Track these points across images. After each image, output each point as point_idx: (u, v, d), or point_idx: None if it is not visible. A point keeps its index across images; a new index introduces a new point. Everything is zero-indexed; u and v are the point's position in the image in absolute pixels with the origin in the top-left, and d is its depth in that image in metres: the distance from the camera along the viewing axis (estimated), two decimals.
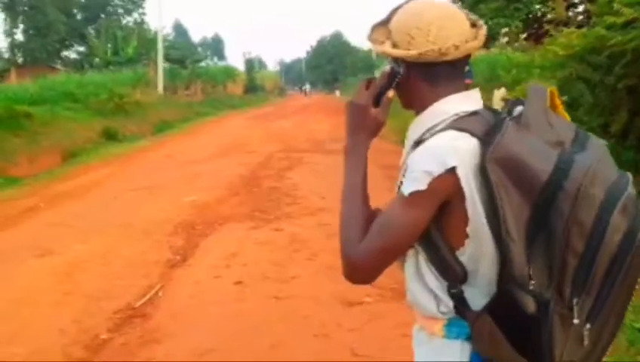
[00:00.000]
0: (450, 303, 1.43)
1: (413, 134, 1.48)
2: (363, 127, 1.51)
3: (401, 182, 1.42)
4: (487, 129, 1.37)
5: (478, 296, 1.39)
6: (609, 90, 6.29)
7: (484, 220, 1.33)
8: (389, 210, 1.41)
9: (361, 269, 1.42)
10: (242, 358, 3.98)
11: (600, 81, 6.31)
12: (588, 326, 1.32)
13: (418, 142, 1.45)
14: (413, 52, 1.42)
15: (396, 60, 1.48)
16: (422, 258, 1.45)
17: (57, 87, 20.31)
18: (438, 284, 1.44)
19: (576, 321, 1.31)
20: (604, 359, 1.41)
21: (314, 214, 7.86)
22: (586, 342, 1.33)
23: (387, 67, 1.50)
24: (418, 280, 1.47)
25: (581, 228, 1.27)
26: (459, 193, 1.34)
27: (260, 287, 5.32)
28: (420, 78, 1.46)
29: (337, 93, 62.67)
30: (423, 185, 1.33)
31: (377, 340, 4.14)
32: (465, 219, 1.36)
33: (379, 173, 10.03)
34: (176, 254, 6.37)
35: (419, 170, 1.35)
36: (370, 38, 1.53)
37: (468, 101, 1.45)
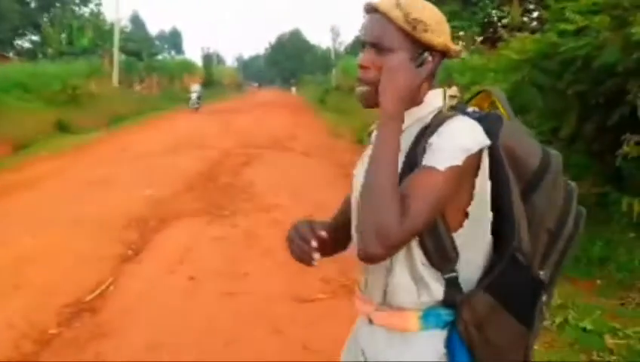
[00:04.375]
0: (439, 290, 1.42)
1: (410, 122, 1.47)
2: (410, 92, 1.43)
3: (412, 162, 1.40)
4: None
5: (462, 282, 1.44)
6: (559, 95, 6.42)
7: (488, 198, 1.42)
8: (424, 184, 1.33)
9: (398, 246, 1.34)
10: (194, 354, 3.96)
11: (551, 86, 6.45)
12: (545, 297, 1.48)
13: (426, 127, 1.44)
14: (453, 46, 1.48)
15: (420, 46, 1.45)
16: (414, 241, 1.40)
17: (9, 76, 19.70)
18: (427, 269, 1.42)
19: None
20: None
21: (269, 211, 7.86)
22: (544, 313, 1.50)
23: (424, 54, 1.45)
24: (406, 266, 1.44)
25: (555, 209, 1.49)
26: (474, 171, 1.39)
27: (213, 283, 5.31)
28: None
29: (293, 90, 61.75)
30: (459, 161, 1.34)
31: (330, 336, 4.17)
32: (468, 199, 1.40)
33: (335, 171, 10.13)
34: (128, 249, 6.30)
35: (454, 147, 1.35)
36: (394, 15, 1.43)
37: (440, 97, 1.52)
